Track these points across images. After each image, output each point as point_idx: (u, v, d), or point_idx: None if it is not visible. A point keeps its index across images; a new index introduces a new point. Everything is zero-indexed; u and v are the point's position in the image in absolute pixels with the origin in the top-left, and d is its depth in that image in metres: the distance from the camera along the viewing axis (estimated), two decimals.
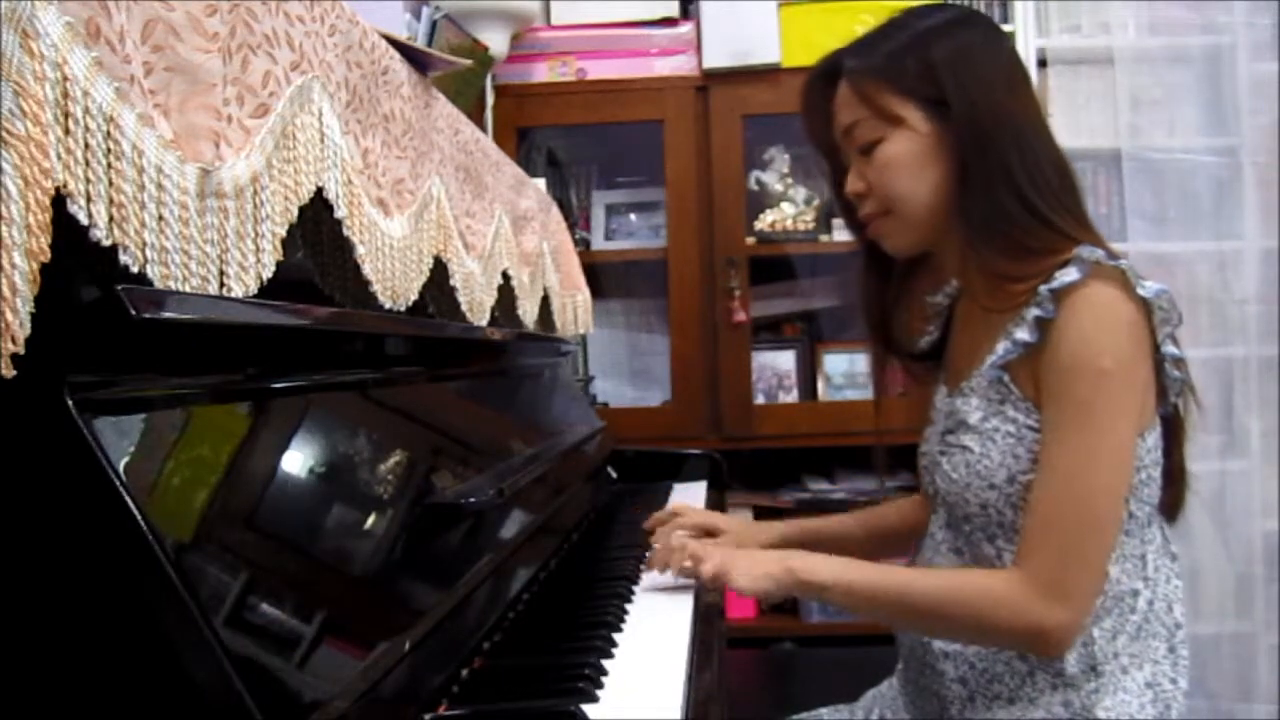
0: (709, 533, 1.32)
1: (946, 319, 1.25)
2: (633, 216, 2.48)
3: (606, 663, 0.86)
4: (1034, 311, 1.01)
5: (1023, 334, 1.02)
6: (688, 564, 1.09)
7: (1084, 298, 0.98)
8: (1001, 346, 1.04)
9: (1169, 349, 1.02)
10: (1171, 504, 1.12)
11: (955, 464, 1.08)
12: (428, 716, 0.74)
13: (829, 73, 1.13)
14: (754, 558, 1.10)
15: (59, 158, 0.48)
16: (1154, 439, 1.05)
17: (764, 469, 2.44)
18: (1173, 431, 1.09)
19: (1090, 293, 0.98)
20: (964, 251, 1.07)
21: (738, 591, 1.07)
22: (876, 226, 1.12)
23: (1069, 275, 0.99)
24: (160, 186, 0.56)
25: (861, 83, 1.08)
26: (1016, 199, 1.03)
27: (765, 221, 2.37)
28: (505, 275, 1.37)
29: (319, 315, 0.81)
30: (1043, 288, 1.00)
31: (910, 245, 1.12)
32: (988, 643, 1.06)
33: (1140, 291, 0.99)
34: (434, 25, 1.91)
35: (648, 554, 1.28)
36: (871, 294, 1.23)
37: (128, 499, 0.52)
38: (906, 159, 1.07)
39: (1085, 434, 0.98)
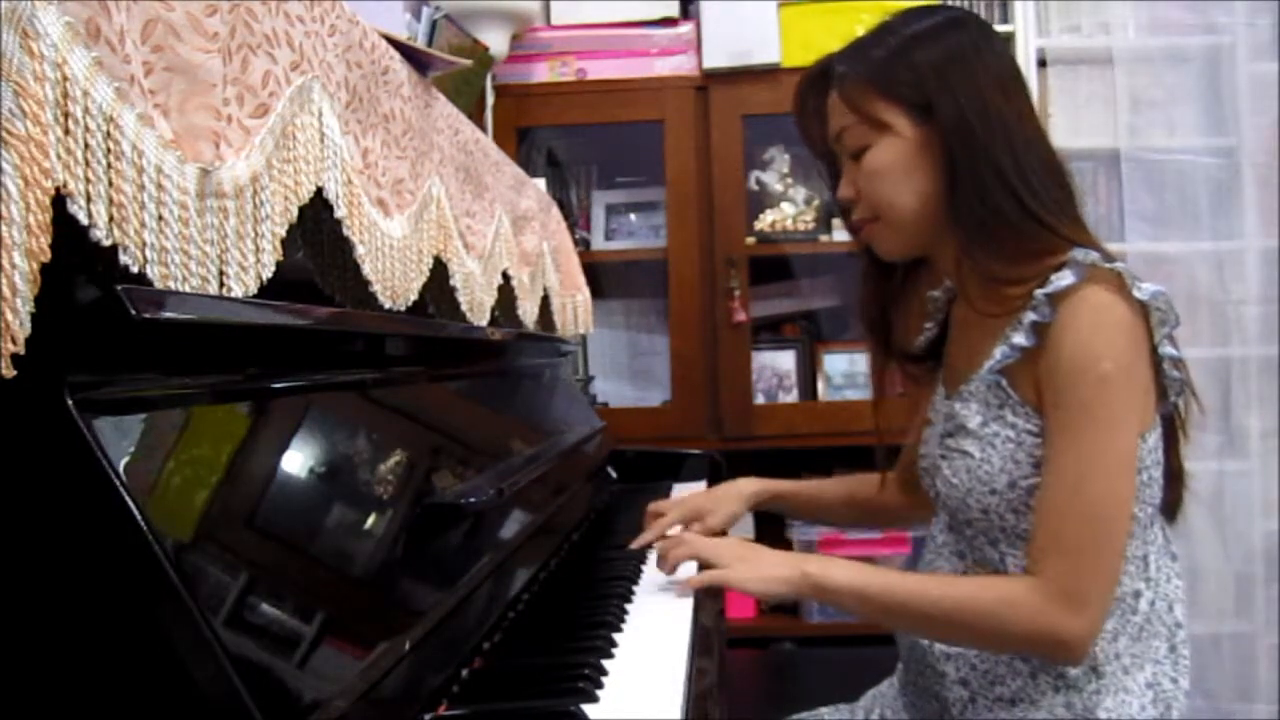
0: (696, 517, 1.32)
1: (944, 319, 1.24)
2: (633, 216, 2.48)
3: (606, 663, 0.86)
4: (1030, 316, 1.00)
5: (1020, 338, 1.01)
6: (703, 575, 1.08)
7: (1081, 301, 0.98)
8: (999, 351, 1.04)
9: (1166, 349, 1.01)
10: (1171, 504, 1.11)
11: (956, 469, 1.08)
12: (428, 716, 0.74)
13: (821, 76, 1.13)
14: (764, 558, 1.09)
15: (59, 158, 0.48)
16: (1155, 439, 1.05)
17: (764, 469, 2.43)
18: (1171, 431, 1.09)
19: (1087, 296, 0.98)
20: (958, 255, 1.07)
21: (749, 595, 1.06)
22: (867, 232, 1.13)
23: (1065, 279, 0.98)
24: (160, 186, 0.56)
25: (849, 89, 1.08)
26: (1011, 200, 1.02)
27: (765, 221, 2.37)
28: (505, 275, 1.37)
29: (319, 315, 0.81)
30: (1039, 292, 0.99)
31: (900, 250, 1.13)
32: (1006, 651, 1.05)
33: (1137, 294, 0.98)
34: (434, 25, 1.91)
35: (649, 547, 1.27)
36: (871, 295, 1.23)
37: (128, 499, 0.52)
38: (892, 166, 1.06)
39: (1089, 439, 0.97)
